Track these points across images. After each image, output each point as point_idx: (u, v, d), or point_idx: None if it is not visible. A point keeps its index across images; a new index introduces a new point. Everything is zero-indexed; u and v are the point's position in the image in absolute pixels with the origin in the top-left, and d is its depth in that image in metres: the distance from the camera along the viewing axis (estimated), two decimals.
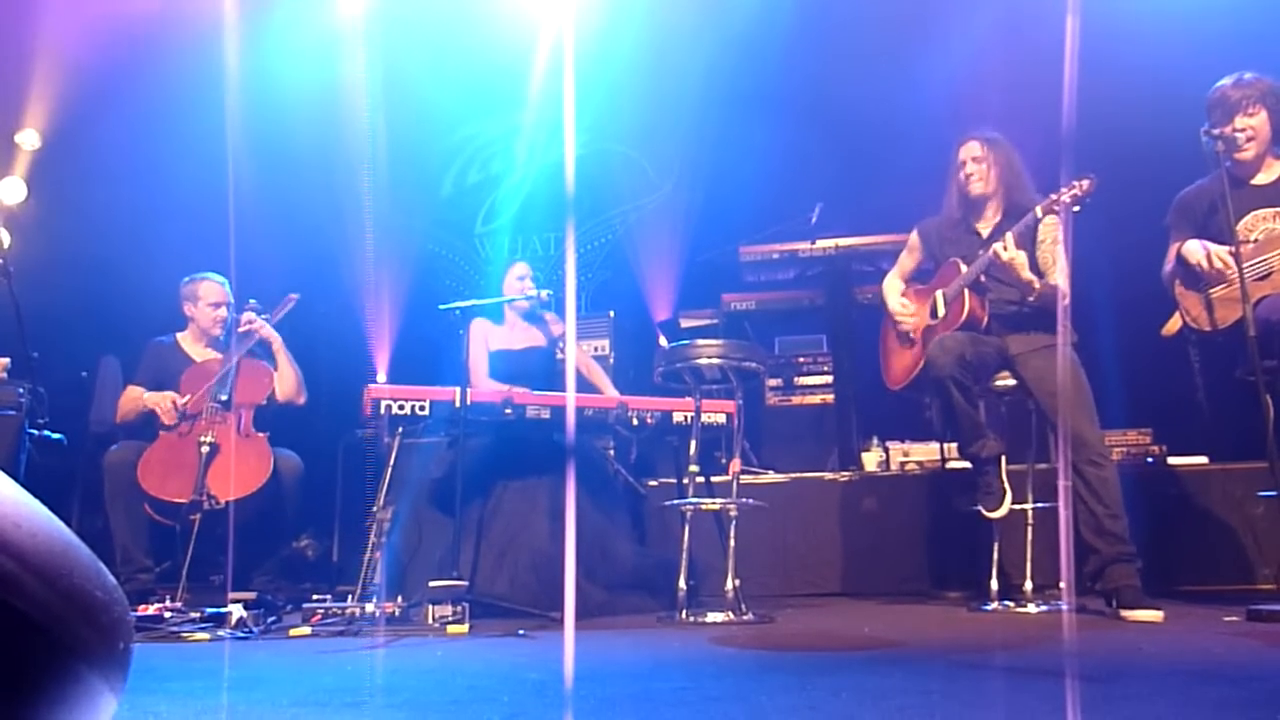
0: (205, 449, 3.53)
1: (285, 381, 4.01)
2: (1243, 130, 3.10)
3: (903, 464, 4.47)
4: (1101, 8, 3.97)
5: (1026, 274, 3.17)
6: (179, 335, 4.14)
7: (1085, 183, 3.04)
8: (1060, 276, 3.19)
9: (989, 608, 3.25)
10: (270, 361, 4.03)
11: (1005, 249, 3.15)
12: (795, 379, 4.94)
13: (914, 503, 4.18)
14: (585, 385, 4.15)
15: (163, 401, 3.80)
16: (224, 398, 3.78)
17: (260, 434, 3.83)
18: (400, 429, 3.57)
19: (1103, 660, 2.15)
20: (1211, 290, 3.12)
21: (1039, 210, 3.15)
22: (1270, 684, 1.81)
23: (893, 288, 3.70)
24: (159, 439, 3.73)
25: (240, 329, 3.99)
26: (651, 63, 5.54)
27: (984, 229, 3.45)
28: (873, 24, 5.22)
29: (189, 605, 3.15)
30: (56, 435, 4.17)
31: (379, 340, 5.86)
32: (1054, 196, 3.10)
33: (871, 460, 4.54)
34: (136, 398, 3.92)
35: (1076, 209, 3.07)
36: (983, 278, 3.33)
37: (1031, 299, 3.23)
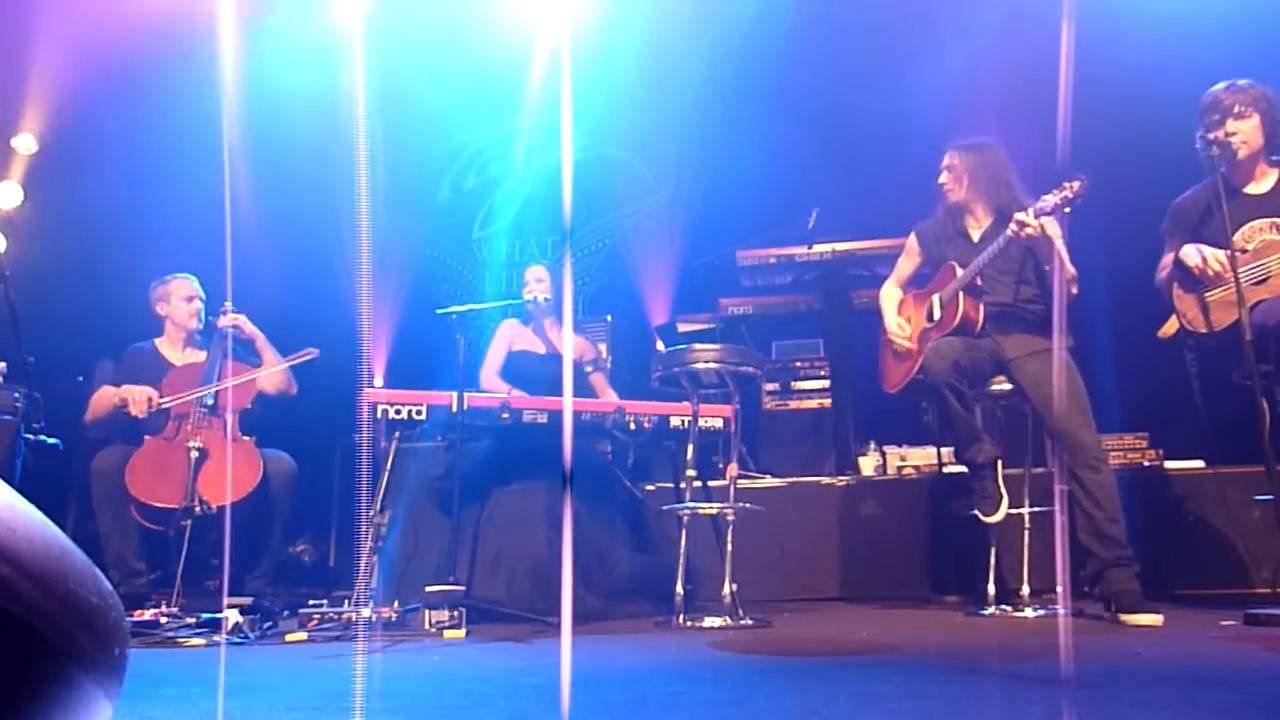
0: (194, 454, 3.51)
1: (274, 374, 4.00)
2: (1234, 134, 3.11)
3: (900, 468, 4.47)
4: (1097, 13, 3.98)
5: (1058, 241, 3.16)
6: (156, 341, 4.13)
7: (1076, 184, 3.05)
8: (1066, 270, 3.20)
9: (986, 612, 3.25)
10: (252, 360, 4.02)
11: (1024, 221, 3.11)
12: (792, 383, 4.94)
13: (911, 507, 4.18)
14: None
15: (136, 394, 3.74)
16: (210, 402, 3.77)
17: (247, 438, 3.81)
18: (397, 433, 3.56)
19: (1099, 665, 2.15)
20: (1207, 293, 3.13)
21: (1031, 212, 3.15)
22: (1268, 688, 1.81)
23: (890, 297, 3.71)
24: (145, 444, 3.70)
25: (221, 323, 3.98)
26: (649, 68, 5.55)
27: (974, 233, 3.47)
28: (869, 29, 5.24)
29: (184, 610, 3.14)
30: (52, 440, 4.16)
31: (376, 344, 5.86)
32: (1045, 199, 3.11)
33: (868, 464, 4.54)
34: (109, 395, 3.87)
35: (1067, 210, 3.09)
36: (979, 280, 3.34)
37: (1070, 274, 3.22)
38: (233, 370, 3.91)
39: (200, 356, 4.06)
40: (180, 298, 4.10)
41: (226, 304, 4.04)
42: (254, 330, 4.03)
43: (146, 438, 3.73)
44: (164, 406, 3.76)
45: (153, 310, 4.16)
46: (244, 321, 4.01)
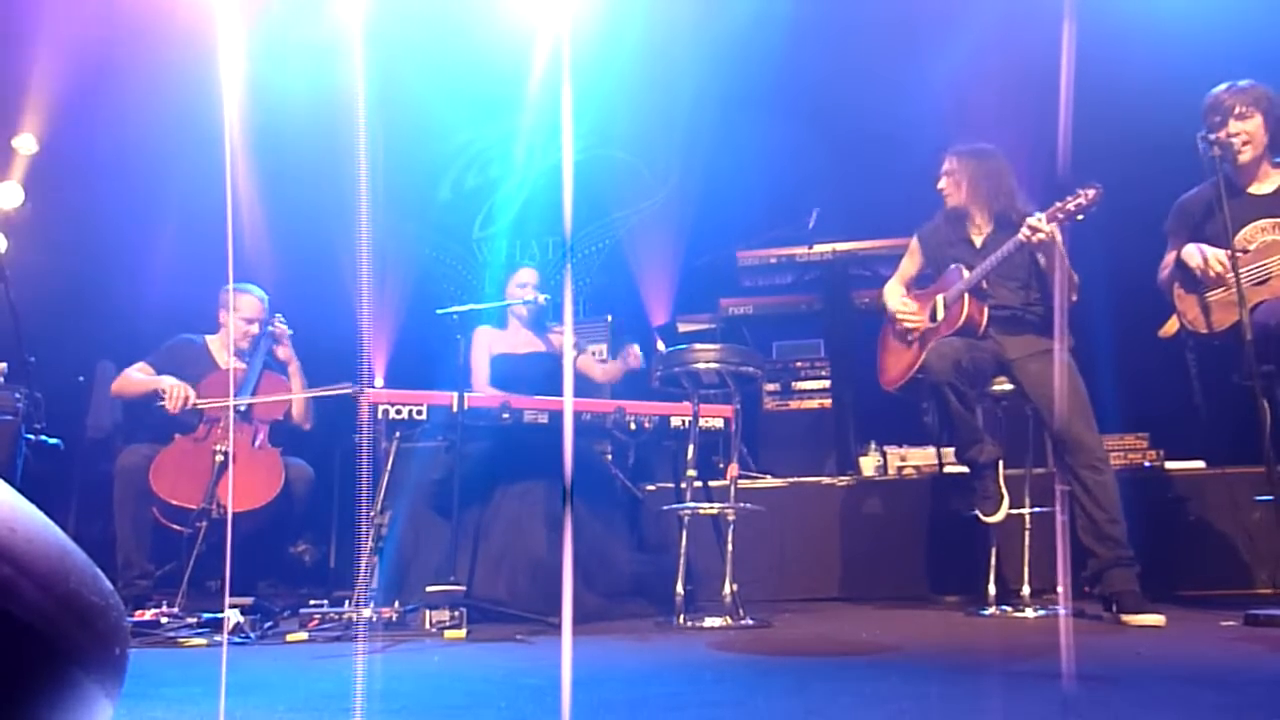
0: (219, 458, 3.52)
1: (296, 404, 4.02)
2: (1237, 135, 3.11)
3: (900, 468, 4.47)
4: (1098, 13, 3.98)
5: (1060, 248, 3.16)
6: (208, 338, 4.14)
7: (1091, 192, 3.03)
8: (1066, 277, 3.20)
9: (986, 612, 3.25)
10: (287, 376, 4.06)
11: (1037, 227, 3.10)
12: (793, 383, 4.94)
13: (911, 507, 4.18)
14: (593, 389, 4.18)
15: (175, 388, 3.75)
16: (243, 408, 3.78)
17: (274, 448, 3.83)
18: (398, 434, 3.57)
19: (1100, 665, 2.15)
20: (1209, 293, 3.13)
21: (1043, 217, 3.14)
22: (1268, 689, 1.81)
23: (894, 291, 3.71)
24: (175, 442, 3.72)
25: (270, 329, 4.02)
26: (649, 68, 5.55)
27: (977, 239, 3.46)
28: (870, 29, 5.23)
29: (186, 610, 3.14)
30: (53, 440, 4.16)
31: (377, 345, 5.86)
32: (1059, 205, 3.09)
33: (869, 465, 4.54)
34: (148, 372, 3.88)
35: (1080, 217, 3.08)
36: (984, 283, 3.34)
37: (1055, 277, 3.21)
38: (271, 383, 3.94)
39: (242, 365, 4.07)
40: (241, 316, 4.08)
41: (279, 316, 4.10)
42: (291, 354, 4.06)
43: (176, 436, 3.75)
44: (198, 408, 3.77)
45: (215, 310, 4.17)
46: (286, 341, 4.03)
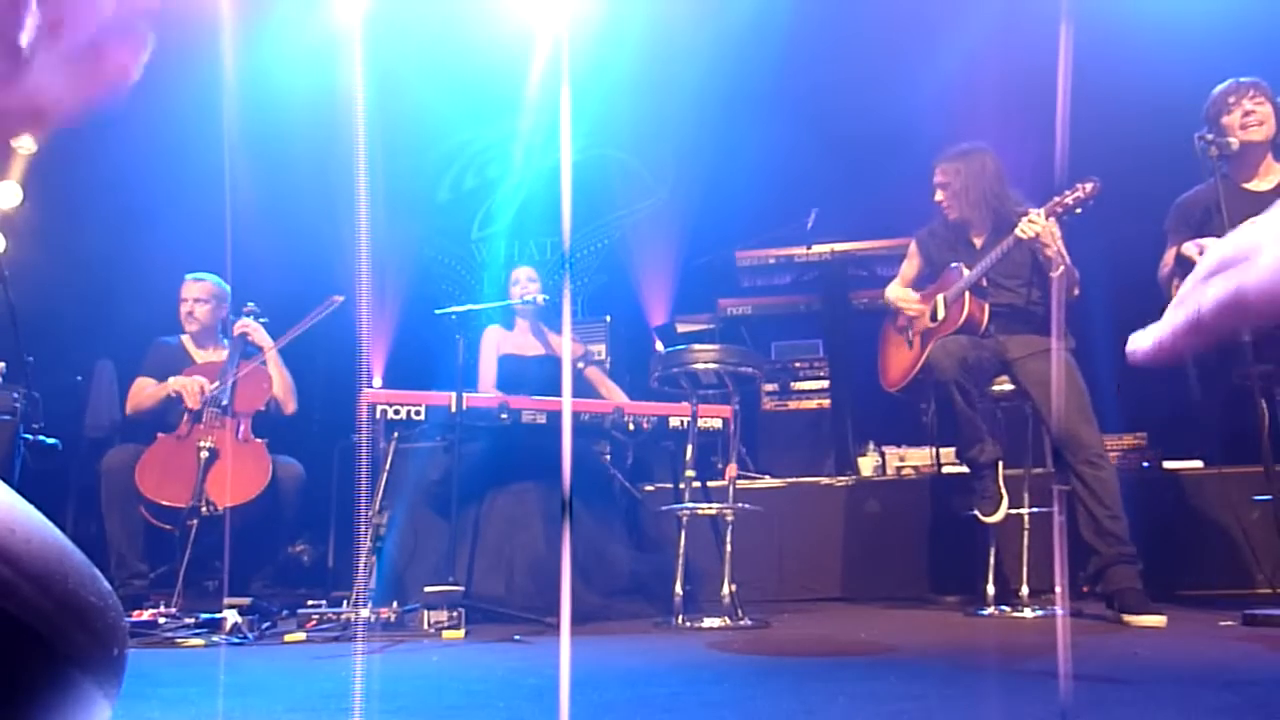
0: (204, 454, 3.50)
1: (278, 384, 4.00)
2: (1251, 113, 3.10)
3: (899, 469, 4.47)
4: (1097, 14, 3.98)
5: (1058, 244, 3.16)
6: (183, 336, 4.15)
7: (1089, 186, 3.04)
8: (1066, 273, 3.20)
9: (985, 612, 3.25)
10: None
11: (1033, 222, 3.11)
12: (791, 384, 4.94)
13: (910, 507, 4.18)
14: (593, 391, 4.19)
15: (190, 384, 3.77)
16: (224, 402, 3.77)
17: (259, 440, 3.82)
18: (396, 434, 3.56)
19: (1099, 665, 2.15)
20: None
21: (1043, 213, 3.14)
22: (1267, 689, 1.81)
23: (895, 286, 3.72)
24: (157, 442, 3.71)
25: (235, 332, 3.99)
26: (648, 68, 5.55)
27: (977, 241, 3.47)
28: (869, 29, 5.24)
29: (184, 611, 3.13)
30: (51, 440, 4.15)
31: (375, 345, 5.85)
32: (1057, 199, 3.10)
33: (868, 465, 4.54)
34: (156, 388, 3.89)
35: (1078, 211, 3.08)
36: (984, 281, 3.34)
37: (1055, 274, 3.20)
38: (249, 371, 3.92)
39: (222, 355, 4.07)
40: (183, 298, 4.10)
41: (250, 304, 4.06)
42: (265, 340, 4.02)
43: (159, 435, 3.73)
44: (213, 393, 3.76)
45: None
46: (254, 330, 4.00)
